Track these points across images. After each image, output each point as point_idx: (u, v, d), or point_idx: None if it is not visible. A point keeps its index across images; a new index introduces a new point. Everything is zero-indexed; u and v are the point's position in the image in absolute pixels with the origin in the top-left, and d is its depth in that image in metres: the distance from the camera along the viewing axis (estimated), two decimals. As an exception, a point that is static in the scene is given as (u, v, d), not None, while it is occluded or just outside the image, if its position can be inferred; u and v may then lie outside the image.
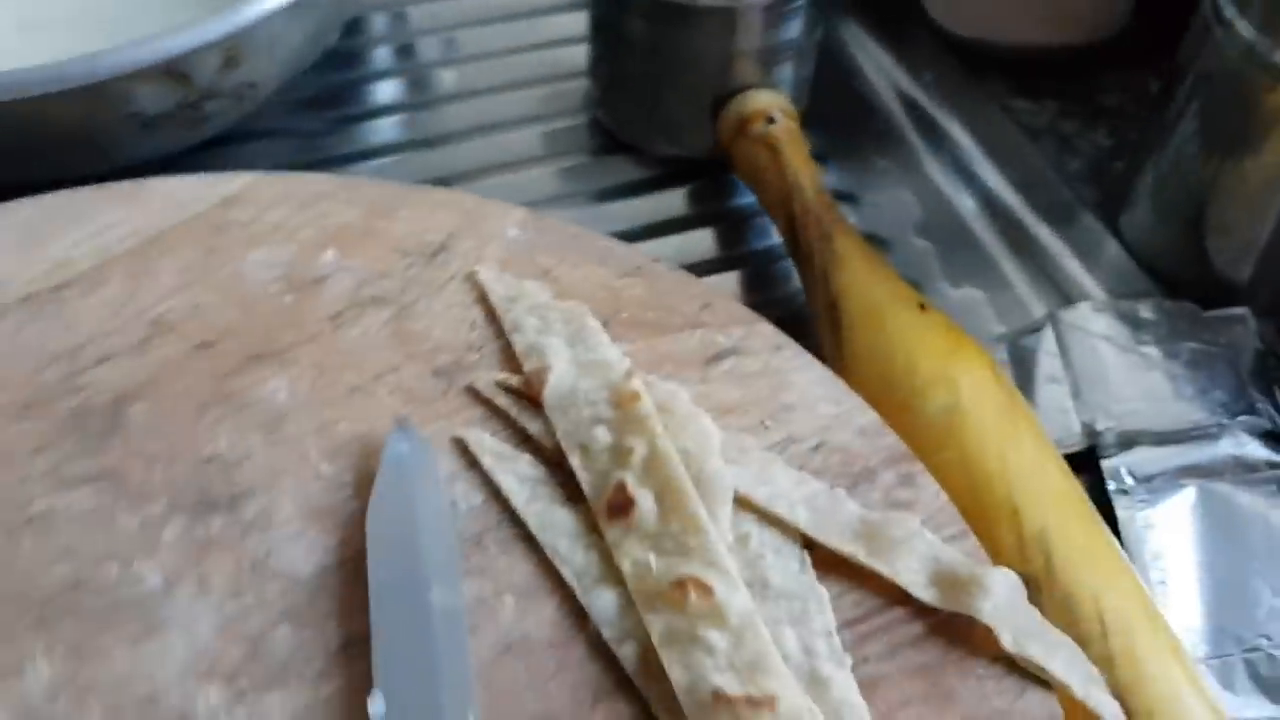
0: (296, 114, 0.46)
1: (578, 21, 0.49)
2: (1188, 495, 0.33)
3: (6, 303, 0.29)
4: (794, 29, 0.40)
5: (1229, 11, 0.34)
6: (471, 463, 0.27)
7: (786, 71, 0.41)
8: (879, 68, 0.48)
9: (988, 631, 0.24)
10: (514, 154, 0.45)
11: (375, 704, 0.22)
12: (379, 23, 0.51)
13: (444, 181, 0.43)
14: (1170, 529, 0.32)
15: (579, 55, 0.47)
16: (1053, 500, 0.28)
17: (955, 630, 0.24)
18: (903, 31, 0.49)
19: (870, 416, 0.28)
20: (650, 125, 0.43)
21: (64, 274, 0.30)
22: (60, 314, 0.29)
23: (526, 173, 0.45)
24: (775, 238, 0.40)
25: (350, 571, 0.25)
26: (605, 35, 0.42)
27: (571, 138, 0.46)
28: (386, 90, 0.48)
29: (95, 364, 0.28)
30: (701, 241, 0.42)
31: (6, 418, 0.27)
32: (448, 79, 0.49)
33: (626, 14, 0.40)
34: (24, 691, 0.23)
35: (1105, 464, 0.34)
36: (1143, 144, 0.39)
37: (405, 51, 0.50)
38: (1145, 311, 0.37)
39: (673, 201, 0.43)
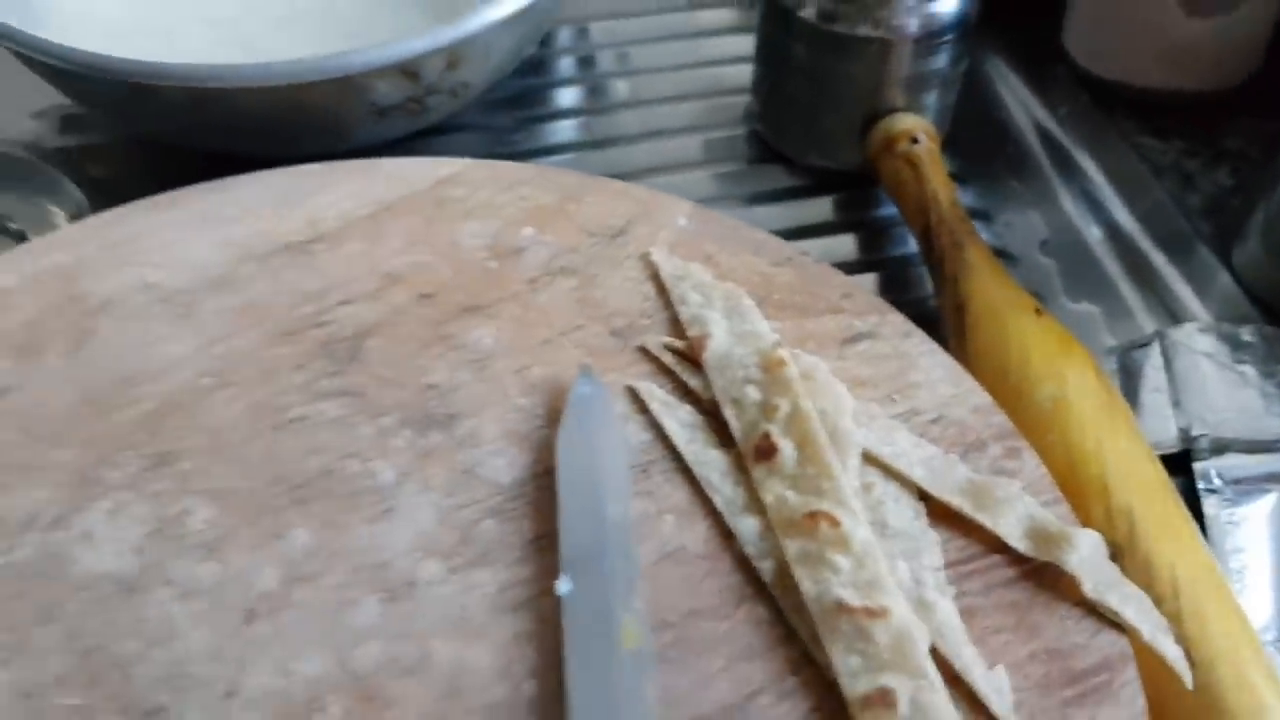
0: (491, 112, 0.52)
1: (736, 43, 0.54)
2: (1270, 499, 0.36)
3: (271, 250, 0.36)
4: (941, 60, 0.44)
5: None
6: (641, 408, 0.32)
7: (932, 98, 0.45)
8: (1018, 100, 0.53)
9: (1072, 580, 0.28)
10: (677, 158, 0.50)
11: (562, 585, 0.27)
12: (564, 36, 0.57)
13: (614, 179, 0.48)
14: (1252, 527, 0.36)
15: (737, 73, 0.52)
16: (1139, 482, 0.32)
17: (1044, 577, 0.28)
18: (1043, 69, 0.53)
19: (984, 398, 0.33)
20: (805, 139, 0.48)
21: (314, 231, 0.37)
22: (312, 263, 0.36)
23: (688, 175, 0.50)
24: (910, 246, 0.44)
25: (541, 484, 0.30)
26: (770, 57, 0.47)
27: (730, 146, 0.51)
28: (568, 96, 0.54)
29: (339, 304, 0.34)
30: (844, 245, 0.46)
31: (270, 341, 0.34)
32: (621, 88, 0.55)
33: (791, 39, 0.45)
34: (287, 551, 0.29)
35: (1197, 466, 0.37)
36: (1257, 184, 0.43)
37: (586, 62, 0.56)
38: (1247, 335, 0.40)
39: (820, 208, 0.48)
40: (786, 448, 0.30)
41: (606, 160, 0.50)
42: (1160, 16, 0.47)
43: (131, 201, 0.38)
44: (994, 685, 0.26)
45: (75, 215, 0.44)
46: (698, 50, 0.57)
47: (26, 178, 0.46)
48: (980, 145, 0.51)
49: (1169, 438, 0.38)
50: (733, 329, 0.33)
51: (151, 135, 0.46)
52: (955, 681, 0.26)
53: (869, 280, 0.45)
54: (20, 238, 0.44)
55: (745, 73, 0.52)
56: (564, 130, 0.52)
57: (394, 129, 0.44)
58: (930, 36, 0.43)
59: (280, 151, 0.41)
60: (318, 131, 0.42)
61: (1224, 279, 0.44)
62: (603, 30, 0.58)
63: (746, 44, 0.54)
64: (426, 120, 0.45)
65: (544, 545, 0.29)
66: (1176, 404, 0.39)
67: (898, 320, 0.34)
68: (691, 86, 0.54)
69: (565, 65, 0.56)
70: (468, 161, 0.39)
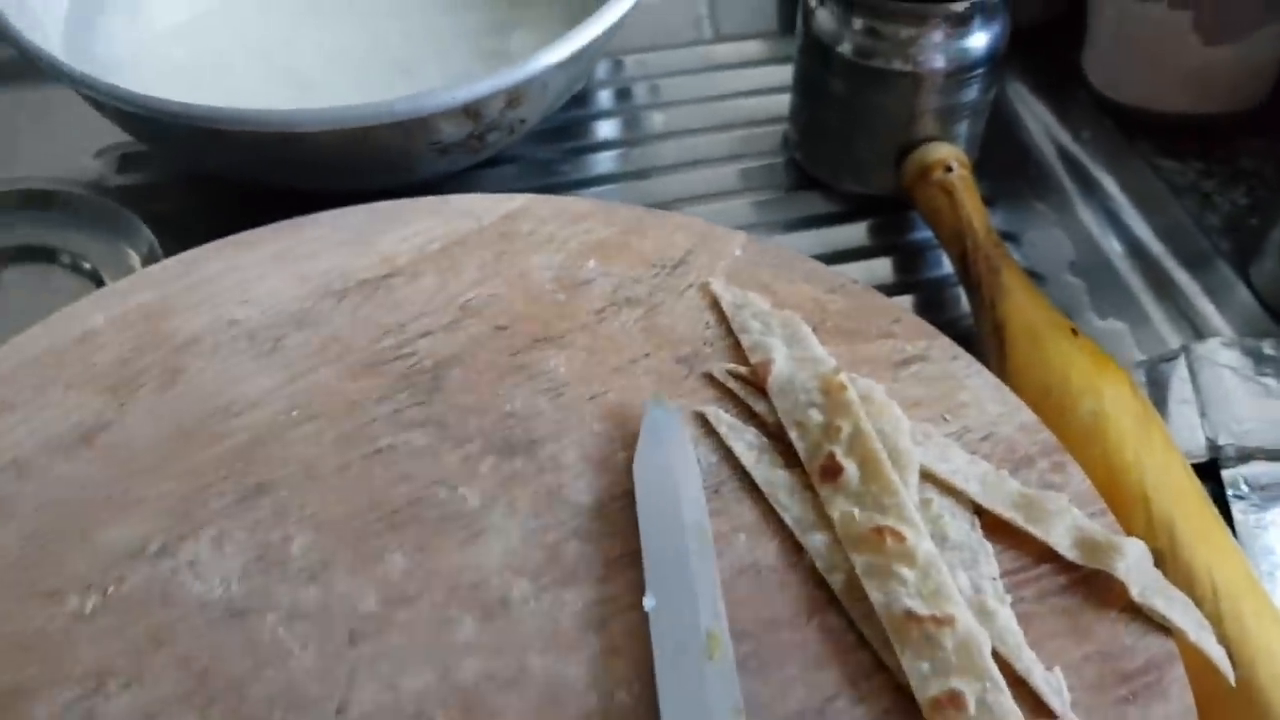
0: (537, 144, 0.54)
1: (767, 74, 0.56)
2: (1296, 504, 0.38)
3: (348, 286, 0.38)
4: (971, 92, 0.46)
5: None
6: (709, 431, 0.34)
7: (963, 127, 0.48)
8: (1042, 125, 0.55)
9: (1120, 586, 0.30)
10: (717, 186, 0.52)
11: (649, 600, 0.29)
12: (601, 68, 0.59)
13: (660, 208, 0.50)
14: (1279, 530, 0.38)
15: (770, 103, 0.54)
16: (1176, 492, 0.34)
17: (1093, 584, 0.30)
18: (1065, 95, 0.55)
19: (1029, 416, 0.35)
20: (842, 166, 0.50)
21: (390, 266, 0.39)
22: (389, 297, 0.38)
23: (725, 203, 0.52)
24: (945, 268, 0.46)
25: (621, 505, 0.32)
26: (808, 89, 0.50)
27: (766, 175, 0.53)
28: (607, 127, 0.56)
29: (418, 337, 0.36)
30: (881, 268, 0.48)
31: (354, 374, 0.35)
32: (657, 120, 0.56)
33: (829, 73, 0.47)
34: (385, 574, 0.31)
35: (1226, 474, 0.39)
36: (1274, 203, 0.45)
37: (623, 94, 0.58)
38: (1268, 349, 0.43)
39: (857, 233, 0.50)
40: (850, 467, 0.32)
41: (650, 189, 0.52)
42: (1177, 44, 0.49)
43: (197, 236, 0.40)
44: (1053, 686, 0.28)
45: (147, 253, 0.45)
46: (729, 81, 0.58)
47: (96, 217, 0.47)
48: (1007, 168, 0.53)
49: (1197, 447, 0.40)
50: (793, 355, 0.35)
51: (215, 172, 0.48)
52: (1015, 683, 0.28)
53: (905, 302, 0.47)
54: (95, 277, 0.46)
55: (777, 103, 0.54)
56: (604, 162, 0.54)
57: (453, 164, 0.46)
58: (961, 71, 0.45)
59: (341, 186, 0.43)
60: (380, 169, 0.44)
61: (1244, 294, 0.46)
62: (636, 63, 0.59)
63: (776, 74, 0.56)
64: (484, 155, 0.47)
65: (625, 563, 0.31)
66: (1203, 415, 0.41)
67: (946, 344, 0.36)
68: (725, 117, 0.56)
69: (604, 97, 0.58)
70: (531, 197, 0.41)
